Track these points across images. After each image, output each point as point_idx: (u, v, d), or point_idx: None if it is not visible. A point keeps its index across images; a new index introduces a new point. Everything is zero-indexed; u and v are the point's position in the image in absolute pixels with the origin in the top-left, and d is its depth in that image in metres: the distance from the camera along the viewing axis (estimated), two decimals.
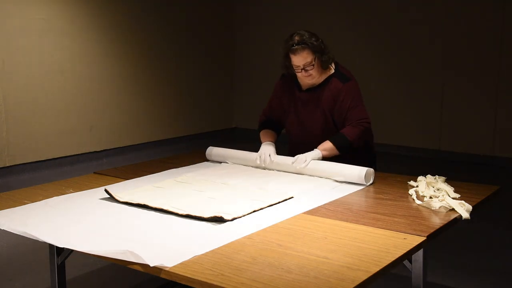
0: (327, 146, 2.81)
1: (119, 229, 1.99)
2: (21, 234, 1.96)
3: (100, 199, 2.36)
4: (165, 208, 2.17)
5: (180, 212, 2.12)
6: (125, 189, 2.48)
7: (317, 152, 2.79)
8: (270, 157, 2.82)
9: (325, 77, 2.91)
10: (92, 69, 6.26)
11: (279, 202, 2.29)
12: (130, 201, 2.27)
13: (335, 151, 2.81)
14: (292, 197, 2.37)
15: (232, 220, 2.05)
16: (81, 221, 2.08)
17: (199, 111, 7.64)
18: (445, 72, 6.40)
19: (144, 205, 2.22)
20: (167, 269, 1.62)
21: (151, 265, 1.63)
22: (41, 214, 2.17)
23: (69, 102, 6.05)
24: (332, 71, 2.92)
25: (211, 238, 1.87)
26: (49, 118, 5.87)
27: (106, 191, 2.37)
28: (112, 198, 2.33)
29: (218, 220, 2.03)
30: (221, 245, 1.81)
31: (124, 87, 6.64)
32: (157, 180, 2.67)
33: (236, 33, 8.02)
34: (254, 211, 2.16)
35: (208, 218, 2.04)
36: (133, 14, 6.65)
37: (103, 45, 6.36)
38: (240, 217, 2.08)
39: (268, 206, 2.23)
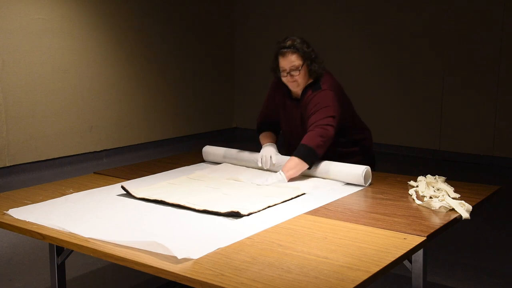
0: (292, 169, 2.59)
1: (141, 223, 2.04)
2: (47, 226, 2.00)
3: (118, 195, 2.40)
4: (182, 203, 2.21)
5: (197, 208, 2.16)
6: (139, 186, 2.52)
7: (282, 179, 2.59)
8: (271, 159, 2.79)
9: (303, 87, 2.84)
10: (92, 69, 6.26)
11: (292, 198, 2.33)
12: (147, 197, 2.32)
13: (303, 165, 2.61)
14: (305, 193, 2.41)
15: (249, 215, 2.10)
16: (103, 215, 2.13)
17: (199, 111, 7.64)
18: (445, 72, 6.40)
19: (161, 201, 2.26)
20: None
21: (179, 257, 1.67)
22: (63, 208, 2.21)
23: (69, 102, 6.05)
24: (311, 81, 2.83)
25: (231, 231, 1.93)
26: (49, 118, 5.87)
27: (122, 187, 2.41)
28: (128, 194, 2.38)
29: (235, 215, 2.08)
30: (244, 237, 1.87)
31: (124, 87, 6.64)
32: (169, 177, 2.71)
33: (236, 33, 8.02)
34: (269, 206, 2.21)
35: (225, 213, 2.10)
36: (133, 14, 6.65)
37: (103, 45, 6.36)
38: (255, 212, 2.14)
39: (282, 202, 2.28)
